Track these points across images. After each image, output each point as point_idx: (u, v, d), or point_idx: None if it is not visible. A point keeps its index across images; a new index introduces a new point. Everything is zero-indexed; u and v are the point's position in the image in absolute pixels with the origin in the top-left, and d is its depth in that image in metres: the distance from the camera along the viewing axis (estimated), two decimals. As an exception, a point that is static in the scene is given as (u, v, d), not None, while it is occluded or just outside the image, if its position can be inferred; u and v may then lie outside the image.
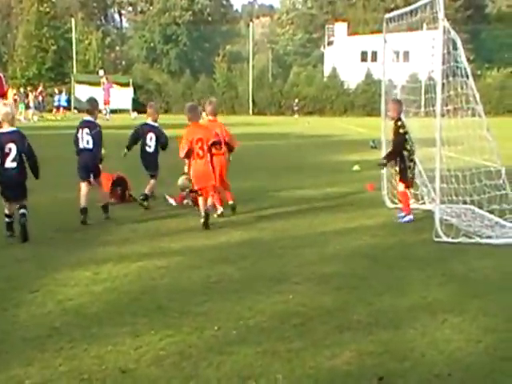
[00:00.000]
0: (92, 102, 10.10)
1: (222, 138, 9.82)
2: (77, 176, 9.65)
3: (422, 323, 5.26)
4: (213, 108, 10.37)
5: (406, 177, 9.58)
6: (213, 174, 9.33)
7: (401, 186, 9.74)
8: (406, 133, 9.61)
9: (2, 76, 16.57)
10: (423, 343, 4.83)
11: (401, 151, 9.55)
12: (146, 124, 11.02)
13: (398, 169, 9.77)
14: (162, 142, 10.80)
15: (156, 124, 10.97)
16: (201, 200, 9.27)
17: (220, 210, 9.84)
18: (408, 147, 9.57)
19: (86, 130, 9.54)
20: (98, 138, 9.57)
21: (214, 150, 9.51)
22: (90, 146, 9.53)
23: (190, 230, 8.84)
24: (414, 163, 9.73)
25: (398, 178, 9.84)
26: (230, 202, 10.16)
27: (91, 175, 9.60)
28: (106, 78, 47.64)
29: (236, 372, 4.31)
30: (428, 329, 5.14)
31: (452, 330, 5.12)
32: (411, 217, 9.63)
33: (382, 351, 4.66)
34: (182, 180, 10.78)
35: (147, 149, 10.75)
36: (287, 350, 4.68)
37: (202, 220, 8.98)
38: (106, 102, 43.33)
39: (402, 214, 9.74)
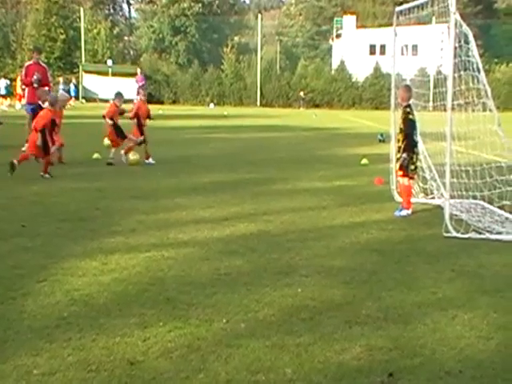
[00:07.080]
0: None
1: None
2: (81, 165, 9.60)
3: (433, 319, 5.22)
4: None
5: (407, 167, 9.42)
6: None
7: (404, 180, 9.60)
8: (414, 121, 9.53)
9: (46, 68, 16.76)
10: (434, 339, 4.79)
11: (412, 136, 9.40)
12: None
13: (398, 156, 9.62)
14: None
15: None
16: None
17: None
18: (414, 137, 9.48)
19: None
20: None
21: None
22: None
23: (197, 222, 8.80)
24: (417, 155, 9.59)
25: (397, 165, 9.68)
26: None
27: None
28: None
29: (245, 366, 4.27)
30: (438, 325, 5.09)
31: (463, 326, 5.08)
32: (409, 211, 9.53)
33: (392, 347, 4.62)
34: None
35: None
36: (296, 344, 4.65)
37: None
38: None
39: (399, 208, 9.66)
